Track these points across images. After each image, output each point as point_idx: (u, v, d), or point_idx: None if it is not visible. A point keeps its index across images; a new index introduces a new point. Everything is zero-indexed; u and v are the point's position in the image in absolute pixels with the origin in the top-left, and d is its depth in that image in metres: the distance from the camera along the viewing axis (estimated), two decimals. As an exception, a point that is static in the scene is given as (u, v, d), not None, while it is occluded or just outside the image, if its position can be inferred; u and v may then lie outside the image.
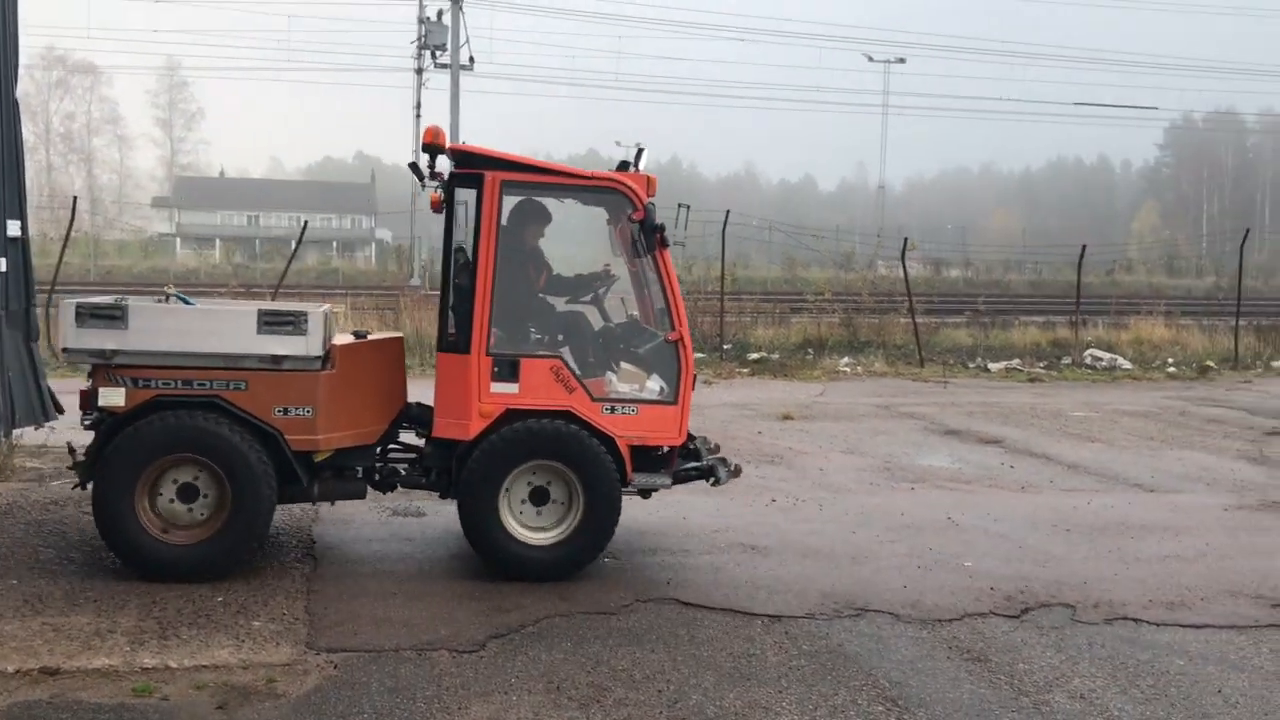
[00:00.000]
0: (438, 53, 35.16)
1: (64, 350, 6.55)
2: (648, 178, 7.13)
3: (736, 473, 7.52)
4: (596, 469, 6.80)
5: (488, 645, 5.78)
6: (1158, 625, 6.40)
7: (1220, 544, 8.30)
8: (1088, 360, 21.87)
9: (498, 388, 6.79)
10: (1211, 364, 21.65)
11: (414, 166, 7.14)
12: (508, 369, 6.81)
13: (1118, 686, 5.47)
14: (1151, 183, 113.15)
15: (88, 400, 6.57)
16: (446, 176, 7.06)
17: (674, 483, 7.26)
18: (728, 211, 20.53)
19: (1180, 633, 6.29)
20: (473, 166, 6.87)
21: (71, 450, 6.93)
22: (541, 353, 7.02)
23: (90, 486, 6.55)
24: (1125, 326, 25.14)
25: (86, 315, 6.43)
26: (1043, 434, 13.39)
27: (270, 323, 6.52)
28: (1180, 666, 5.76)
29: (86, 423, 6.65)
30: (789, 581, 7.03)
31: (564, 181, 7.15)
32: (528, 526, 6.90)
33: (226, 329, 6.59)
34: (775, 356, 20.68)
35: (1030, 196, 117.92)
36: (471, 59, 34.22)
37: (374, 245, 76.85)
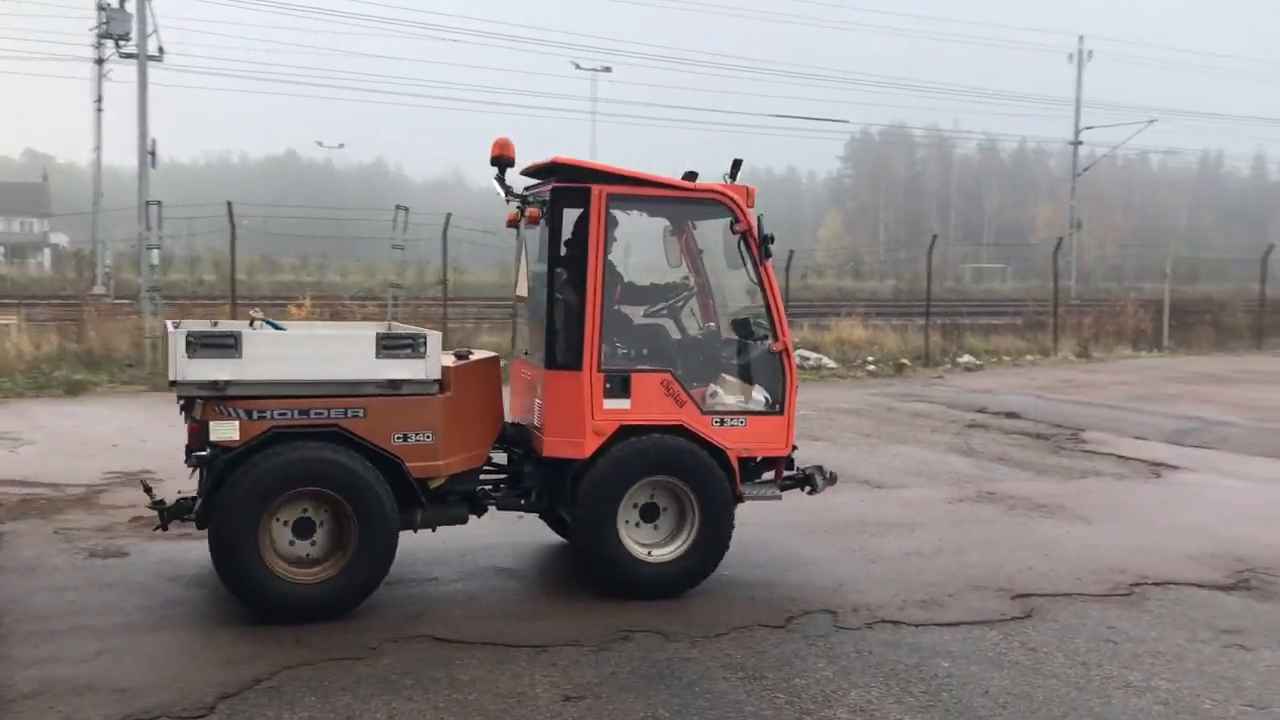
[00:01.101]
0: (121, 42, 32.40)
1: (173, 383, 6.00)
2: (747, 189, 7.06)
3: (832, 480, 7.51)
4: (712, 483, 6.79)
5: (218, 707, 5.04)
6: (917, 626, 6.44)
7: (953, 538, 8.59)
8: (796, 360, 22.69)
9: (610, 404, 6.67)
10: (906, 361, 23.02)
11: (501, 181, 7.00)
12: (619, 385, 6.69)
13: (893, 696, 5.40)
14: (835, 193, 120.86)
15: (197, 436, 6.07)
16: (523, 190, 7.09)
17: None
18: (449, 215, 19.87)
19: (939, 632, 6.35)
20: (578, 180, 6.72)
21: (148, 489, 6.59)
22: (652, 367, 6.89)
23: (202, 528, 6.13)
24: (827, 328, 26.38)
25: (197, 345, 5.95)
26: (769, 435, 13.60)
27: (389, 346, 6.27)
28: (946, 669, 5.78)
29: (197, 459, 6.18)
30: (550, 606, 6.62)
31: (668, 194, 6.99)
32: (640, 543, 6.80)
33: (344, 354, 6.26)
34: (505, 363, 20.22)
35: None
36: (161, 49, 31.71)
37: (49, 251, 70.34)
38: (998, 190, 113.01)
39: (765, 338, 7.05)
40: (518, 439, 7.04)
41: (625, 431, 6.66)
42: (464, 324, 22.79)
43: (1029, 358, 24.71)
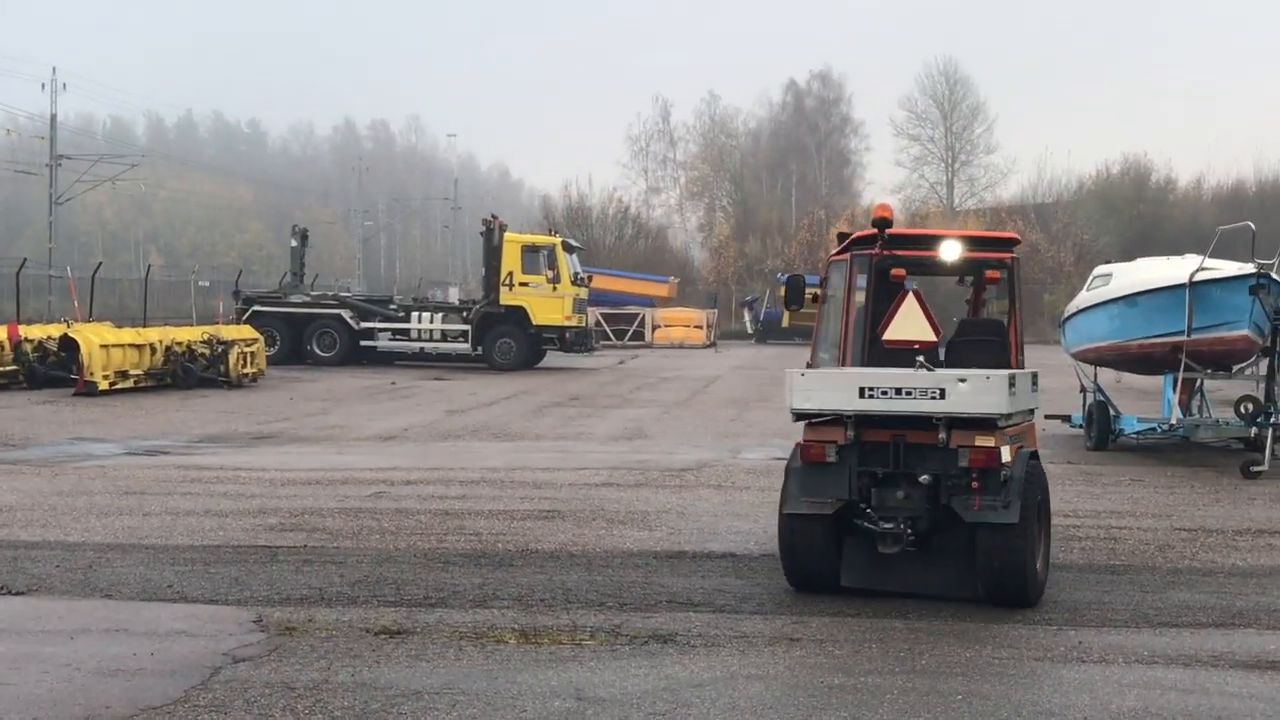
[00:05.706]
0: None
1: (1005, 416, 7.06)
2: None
3: None
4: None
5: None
6: None
7: None
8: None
9: None
10: None
11: (882, 240, 8.26)
12: None
13: None
14: None
15: (994, 459, 6.95)
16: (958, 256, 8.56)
17: None
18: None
19: None
20: (1010, 249, 8.86)
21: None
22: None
23: None
24: None
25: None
26: None
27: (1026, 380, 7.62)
28: None
29: (989, 478, 6.96)
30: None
31: None
32: None
33: (1031, 389, 7.76)
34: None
35: None
36: None
37: None
38: None
39: None
40: None
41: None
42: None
43: None
